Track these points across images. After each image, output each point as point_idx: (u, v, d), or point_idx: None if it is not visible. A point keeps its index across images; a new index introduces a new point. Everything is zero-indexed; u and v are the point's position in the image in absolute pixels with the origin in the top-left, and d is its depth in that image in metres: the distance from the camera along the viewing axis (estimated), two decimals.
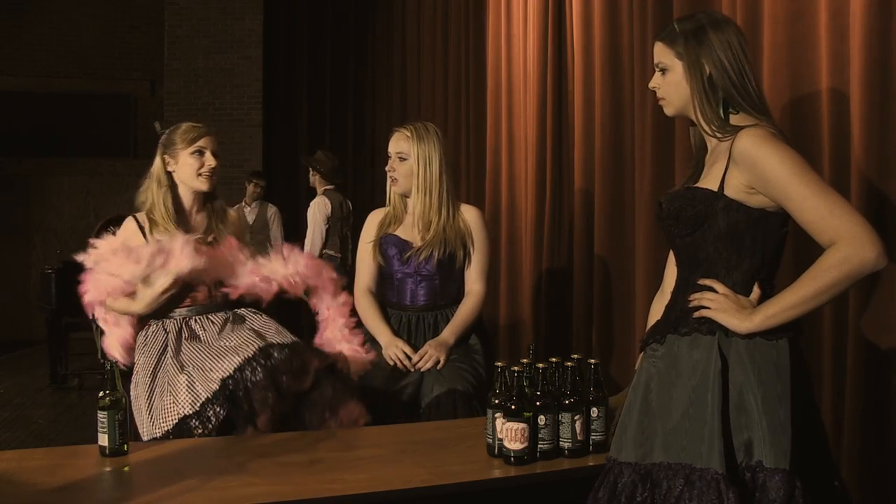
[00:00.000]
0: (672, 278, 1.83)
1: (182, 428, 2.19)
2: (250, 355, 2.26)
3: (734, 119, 1.65)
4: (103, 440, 1.94)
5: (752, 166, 1.58)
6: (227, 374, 2.23)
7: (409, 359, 2.64)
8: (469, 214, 2.81)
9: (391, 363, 2.65)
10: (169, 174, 2.54)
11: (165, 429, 2.22)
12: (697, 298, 1.64)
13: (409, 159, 2.73)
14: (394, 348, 2.66)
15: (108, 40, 8.86)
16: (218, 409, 2.19)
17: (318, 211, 5.39)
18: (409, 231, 2.79)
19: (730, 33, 1.65)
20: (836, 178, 2.17)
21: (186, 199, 2.57)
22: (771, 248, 1.65)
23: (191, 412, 2.20)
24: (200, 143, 2.52)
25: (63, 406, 5.43)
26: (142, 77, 8.87)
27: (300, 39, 8.01)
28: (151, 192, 2.53)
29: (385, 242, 2.80)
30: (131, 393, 2.35)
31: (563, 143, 3.86)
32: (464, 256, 2.78)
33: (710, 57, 1.64)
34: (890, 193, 2.09)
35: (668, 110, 1.76)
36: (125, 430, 1.97)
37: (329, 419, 2.26)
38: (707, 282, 1.65)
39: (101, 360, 5.90)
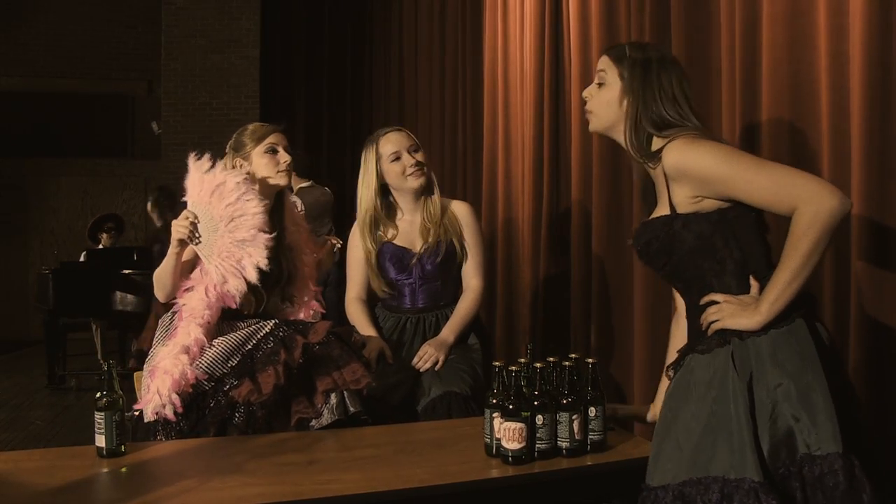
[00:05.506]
0: (682, 300, 1.86)
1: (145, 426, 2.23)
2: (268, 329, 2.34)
3: (656, 143, 1.70)
4: (100, 441, 1.93)
5: (685, 176, 1.62)
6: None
7: (386, 359, 2.63)
8: (460, 211, 2.80)
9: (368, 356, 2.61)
10: None
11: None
12: (705, 319, 1.66)
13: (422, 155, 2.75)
14: (375, 343, 2.64)
15: (106, 40, 8.86)
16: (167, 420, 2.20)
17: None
18: (407, 235, 2.76)
19: (672, 74, 1.72)
20: (836, 177, 2.16)
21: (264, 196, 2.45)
22: (746, 238, 1.66)
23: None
24: (271, 139, 2.46)
25: (60, 407, 5.42)
26: (139, 77, 8.86)
27: (297, 39, 8.00)
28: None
29: (382, 253, 2.76)
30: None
31: (561, 142, 3.85)
32: (461, 251, 2.78)
33: (649, 90, 1.70)
34: (891, 193, 2.08)
35: (593, 125, 1.82)
36: (122, 430, 1.97)
37: (334, 377, 2.27)
38: (705, 299, 1.68)
39: (101, 361, 5.90)
